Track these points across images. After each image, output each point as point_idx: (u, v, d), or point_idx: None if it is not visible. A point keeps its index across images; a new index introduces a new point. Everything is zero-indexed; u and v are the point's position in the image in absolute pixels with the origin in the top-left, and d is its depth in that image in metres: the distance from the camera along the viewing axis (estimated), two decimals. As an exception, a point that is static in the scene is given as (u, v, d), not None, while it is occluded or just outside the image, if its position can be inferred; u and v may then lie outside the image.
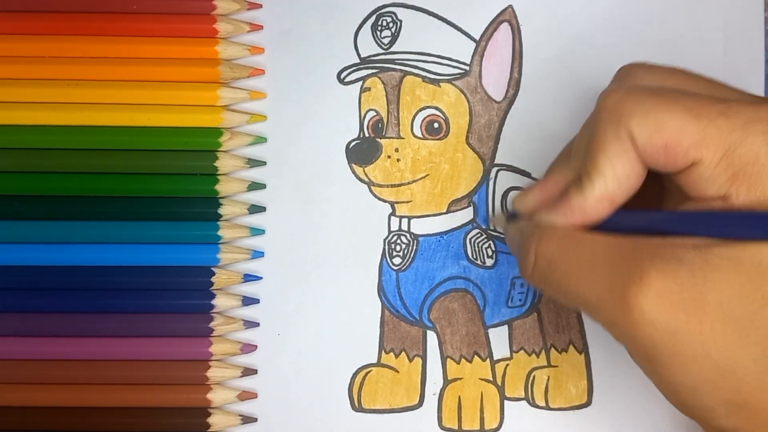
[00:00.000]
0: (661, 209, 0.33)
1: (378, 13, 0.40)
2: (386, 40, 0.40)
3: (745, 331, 0.27)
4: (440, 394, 0.39)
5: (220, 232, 0.39)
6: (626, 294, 0.28)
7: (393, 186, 0.40)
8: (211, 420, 0.38)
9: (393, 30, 0.40)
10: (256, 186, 0.39)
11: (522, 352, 0.39)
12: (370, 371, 0.39)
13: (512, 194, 0.40)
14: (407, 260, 0.39)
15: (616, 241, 0.29)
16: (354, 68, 0.40)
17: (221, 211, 0.39)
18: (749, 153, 0.28)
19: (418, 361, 0.39)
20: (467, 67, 0.40)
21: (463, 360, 0.39)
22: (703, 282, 0.27)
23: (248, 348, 0.39)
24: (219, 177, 0.39)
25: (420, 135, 0.40)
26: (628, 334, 0.28)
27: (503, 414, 0.39)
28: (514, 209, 0.34)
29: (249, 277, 0.39)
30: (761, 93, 0.40)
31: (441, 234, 0.40)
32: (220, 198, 0.39)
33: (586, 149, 0.30)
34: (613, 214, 0.31)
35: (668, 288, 0.27)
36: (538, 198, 0.34)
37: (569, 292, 0.30)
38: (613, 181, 0.30)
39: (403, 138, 0.40)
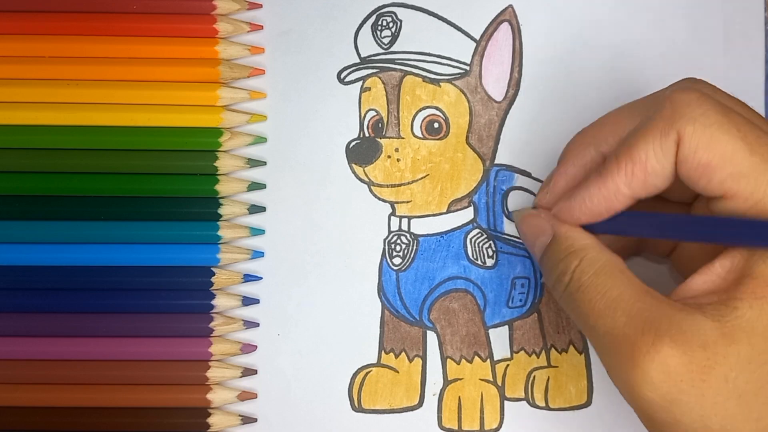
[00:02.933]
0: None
1: (378, 13, 0.40)
2: (386, 40, 0.40)
3: (748, 406, 0.27)
4: (440, 394, 0.39)
5: (220, 232, 0.39)
6: (636, 352, 0.28)
7: (393, 186, 0.40)
8: (211, 420, 0.38)
9: (393, 30, 0.40)
10: (256, 186, 0.39)
11: (522, 352, 0.39)
12: (370, 371, 0.39)
13: (513, 195, 0.40)
14: (407, 260, 0.39)
15: (643, 292, 0.29)
16: (354, 68, 0.40)
17: (221, 211, 0.39)
18: None
19: (418, 361, 0.39)
20: (467, 67, 0.40)
21: (463, 360, 0.39)
22: (713, 356, 0.27)
23: (248, 348, 0.39)
24: (219, 177, 0.39)
25: (420, 135, 0.40)
26: (631, 390, 0.28)
27: (503, 414, 0.39)
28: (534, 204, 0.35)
29: (249, 277, 0.39)
30: (761, 93, 0.40)
31: (441, 234, 0.40)
32: (220, 198, 0.39)
33: (630, 133, 0.30)
34: (629, 214, 0.30)
35: (677, 358, 0.27)
36: (562, 187, 0.33)
37: (588, 325, 0.30)
38: (640, 172, 0.29)
39: (403, 138, 0.40)
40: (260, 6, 0.40)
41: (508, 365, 0.39)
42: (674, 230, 0.30)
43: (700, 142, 0.28)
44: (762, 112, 0.40)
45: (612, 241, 0.33)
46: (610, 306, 0.29)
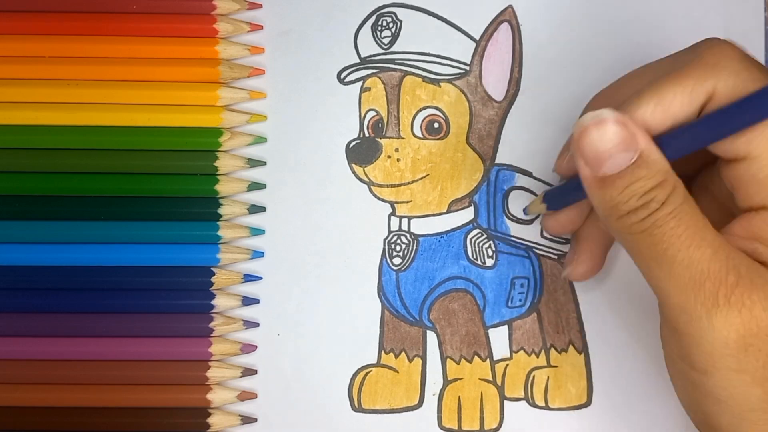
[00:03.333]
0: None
1: (378, 13, 0.40)
2: (386, 40, 0.40)
3: None
4: (440, 394, 0.39)
5: (220, 232, 0.39)
6: (720, 288, 0.27)
7: (393, 186, 0.40)
8: (211, 420, 0.38)
9: (393, 30, 0.40)
10: (256, 186, 0.39)
11: (522, 352, 0.39)
12: (369, 371, 0.39)
13: (514, 195, 0.40)
14: (407, 260, 0.39)
15: (724, 251, 0.28)
16: (354, 68, 0.40)
17: (221, 211, 0.39)
18: None
19: (417, 361, 0.39)
20: (467, 67, 0.40)
21: (462, 360, 0.39)
22: None
23: (248, 348, 0.39)
24: (219, 177, 0.39)
25: (420, 135, 0.40)
26: (706, 327, 0.27)
27: (503, 414, 0.39)
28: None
29: (249, 277, 0.39)
30: (761, 93, 0.40)
31: (441, 234, 0.40)
32: (220, 198, 0.39)
33: (663, 74, 0.28)
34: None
35: (757, 303, 0.27)
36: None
37: (666, 256, 0.28)
38: (660, 113, 0.28)
39: (403, 138, 0.40)
40: (260, 6, 0.40)
41: (507, 365, 0.39)
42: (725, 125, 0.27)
43: (734, 97, 0.27)
44: (762, 112, 0.40)
45: None
46: (698, 235, 0.27)
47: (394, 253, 0.39)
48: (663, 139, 0.28)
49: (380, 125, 0.40)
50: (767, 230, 0.28)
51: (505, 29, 0.40)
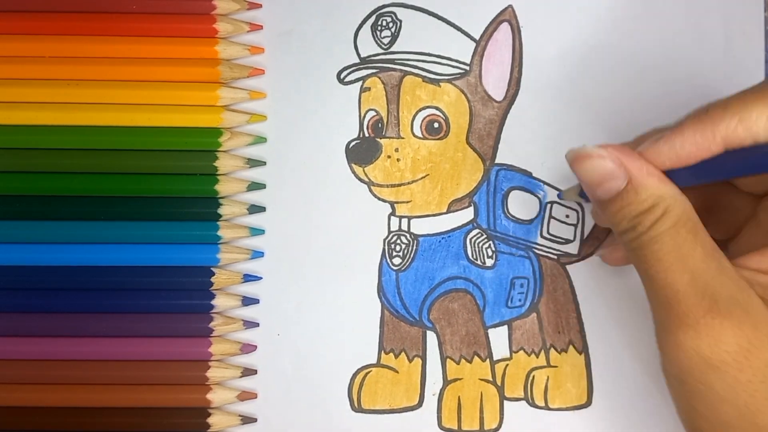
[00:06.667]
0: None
1: (378, 13, 0.40)
2: (386, 40, 0.40)
3: None
4: (440, 394, 0.39)
5: (220, 232, 0.39)
6: (691, 313, 0.28)
7: (393, 186, 0.40)
8: (211, 420, 0.38)
9: (393, 30, 0.40)
10: (256, 186, 0.39)
11: (521, 352, 0.39)
12: (369, 372, 0.39)
13: (514, 195, 0.40)
14: (407, 260, 0.39)
15: (710, 254, 0.29)
16: (354, 68, 0.40)
17: (221, 211, 0.39)
18: None
19: (417, 361, 0.39)
20: (467, 67, 0.40)
21: (462, 360, 0.39)
22: (762, 338, 0.28)
23: (248, 348, 0.39)
24: (219, 177, 0.39)
25: (420, 135, 0.40)
26: (675, 348, 0.29)
27: (503, 414, 0.39)
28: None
29: (249, 277, 0.39)
30: (761, 93, 0.40)
31: (441, 234, 0.40)
32: (220, 198, 0.39)
33: (744, 91, 0.29)
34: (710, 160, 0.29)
35: (728, 330, 0.28)
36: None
37: (648, 274, 0.30)
38: (743, 131, 0.28)
39: (403, 138, 0.40)
40: (260, 6, 0.40)
41: (507, 365, 0.39)
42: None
43: None
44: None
45: None
46: (679, 261, 0.29)
47: (394, 253, 0.39)
48: (685, 169, 0.30)
49: (380, 125, 0.40)
50: None
51: (505, 29, 0.40)
